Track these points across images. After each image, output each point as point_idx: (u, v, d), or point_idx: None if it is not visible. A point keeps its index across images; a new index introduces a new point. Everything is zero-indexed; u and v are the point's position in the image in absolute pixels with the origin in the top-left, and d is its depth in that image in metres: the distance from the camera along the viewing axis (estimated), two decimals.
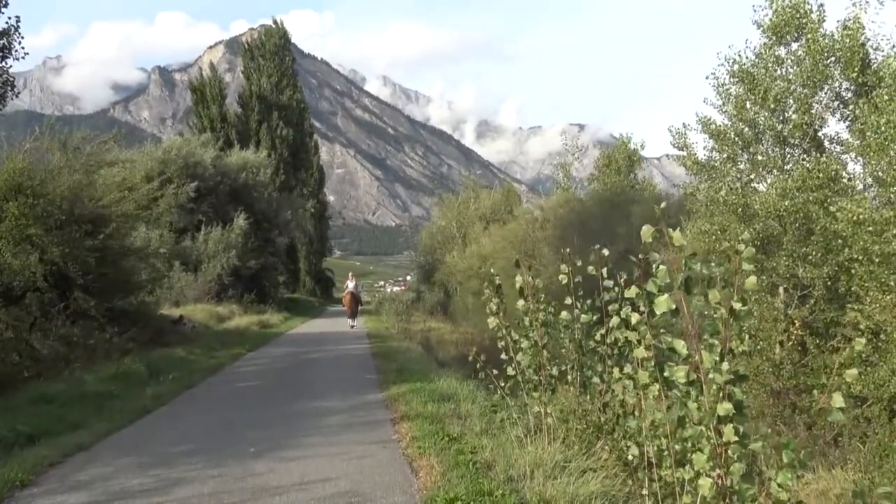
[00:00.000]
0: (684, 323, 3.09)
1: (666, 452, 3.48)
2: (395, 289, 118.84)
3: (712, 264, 3.16)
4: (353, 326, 23.60)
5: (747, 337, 3.35)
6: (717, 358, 3.00)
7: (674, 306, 3.03)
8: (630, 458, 4.21)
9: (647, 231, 3.22)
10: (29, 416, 7.09)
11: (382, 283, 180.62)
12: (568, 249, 6.26)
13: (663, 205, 3.48)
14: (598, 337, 5.47)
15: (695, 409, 3.02)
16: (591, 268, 5.77)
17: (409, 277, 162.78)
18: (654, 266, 3.29)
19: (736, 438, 2.92)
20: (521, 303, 5.87)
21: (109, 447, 5.99)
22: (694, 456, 3.02)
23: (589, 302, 6.09)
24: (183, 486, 4.65)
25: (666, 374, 3.30)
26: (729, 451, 2.95)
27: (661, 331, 3.74)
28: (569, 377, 5.89)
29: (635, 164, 24.89)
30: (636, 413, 4.08)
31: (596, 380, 5.48)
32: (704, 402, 2.96)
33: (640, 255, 3.77)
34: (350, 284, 25.13)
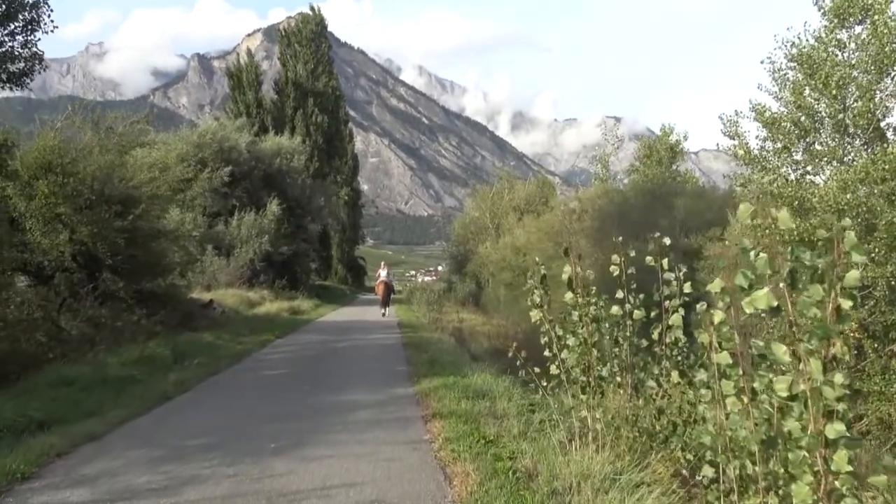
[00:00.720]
0: (784, 324, 2.56)
1: (751, 476, 2.93)
2: (426, 278, 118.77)
3: (817, 255, 2.60)
4: (384, 315, 23.70)
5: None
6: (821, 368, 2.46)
7: (775, 303, 2.48)
8: (701, 478, 3.66)
9: (745, 211, 2.66)
10: (45, 401, 6.80)
11: (414, 272, 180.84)
12: (621, 238, 5.71)
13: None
14: (654, 335, 4.93)
15: (797, 428, 2.47)
16: (648, 258, 5.24)
17: (440, 268, 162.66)
18: (744, 253, 2.72)
19: (849, 468, 2.38)
20: (568, 295, 5.32)
21: (122, 437, 5.63)
22: (794, 486, 2.48)
23: (642, 296, 5.55)
24: (194, 485, 4.24)
25: (756, 384, 2.76)
26: (838, 483, 2.42)
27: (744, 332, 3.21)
28: (618, 379, 5.36)
29: (677, 155, 24.03)
30: (706, 423, 3.54)
31: (651, 383, 4.94)
32: (810, 421, 2.43)
33: (730, 241, 3.21)
34: (382, 273, 25.41)
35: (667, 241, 5.03)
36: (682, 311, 4.94)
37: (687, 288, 4.86)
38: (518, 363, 5.69)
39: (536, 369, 5.64)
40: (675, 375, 4.56)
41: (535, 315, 5.64)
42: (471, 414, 6.36)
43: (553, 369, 5.46)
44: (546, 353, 5.57)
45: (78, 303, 12.70)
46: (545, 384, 5.55)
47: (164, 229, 15.47)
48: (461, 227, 46.93)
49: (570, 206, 21.86)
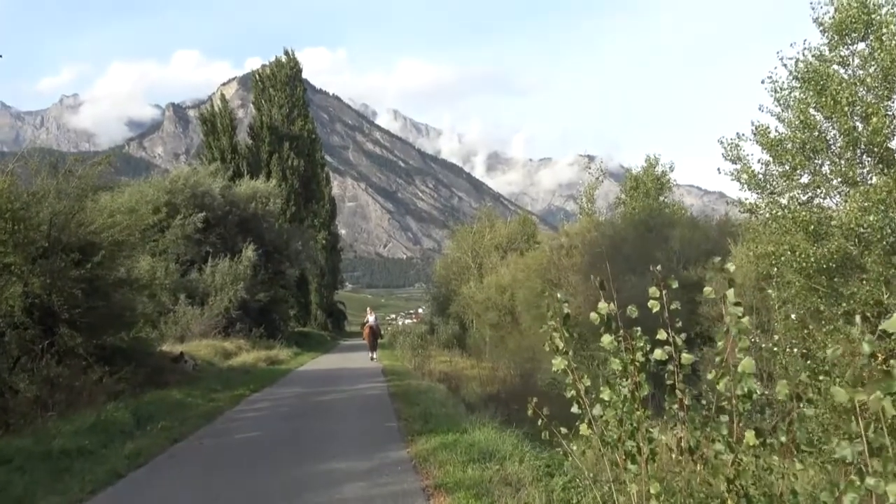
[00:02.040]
0: None
1: None
2: (407, 321, 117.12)
3: None
4: (373, 359, 24.29)
5: None
6: None
7: None
8: None
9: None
10: None
11: (394, 315, 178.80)
12: (658, 266, 4.78)
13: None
14: (721, 386, 4.00)
15: None
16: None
17: (420, 310, 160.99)
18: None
19: None
20: (606, 339, 4.37)
21: None
22: None
23: (684, 336, 4.63)
24: None
25: None
26: None
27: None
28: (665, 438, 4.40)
29: (664, 186, 23.47)
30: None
31: (719, 446, 3.98)
32: None
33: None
34: (371, 318, 26.39)
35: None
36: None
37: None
38: (540, 423, 4.70)
39: (563, 429, 4.67)
40: (749, 436, 3.63)
41: (558, 363, 4.66)
42: (481, 483, 5.36)
43: (584, 429, 4.49)
44: (573, 408, 4.60)
45: (32, 362, 11.48)
46: (573, 448, 4.57)
47: (128, 278, 14.33)
48: (443, 268, 46.04)
49: (558, 241, 21.08)
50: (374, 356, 24.76)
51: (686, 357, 4.47)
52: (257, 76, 54.97)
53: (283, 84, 53.58)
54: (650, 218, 17.99)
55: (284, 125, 51.72)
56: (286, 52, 55.56)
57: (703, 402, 4.41)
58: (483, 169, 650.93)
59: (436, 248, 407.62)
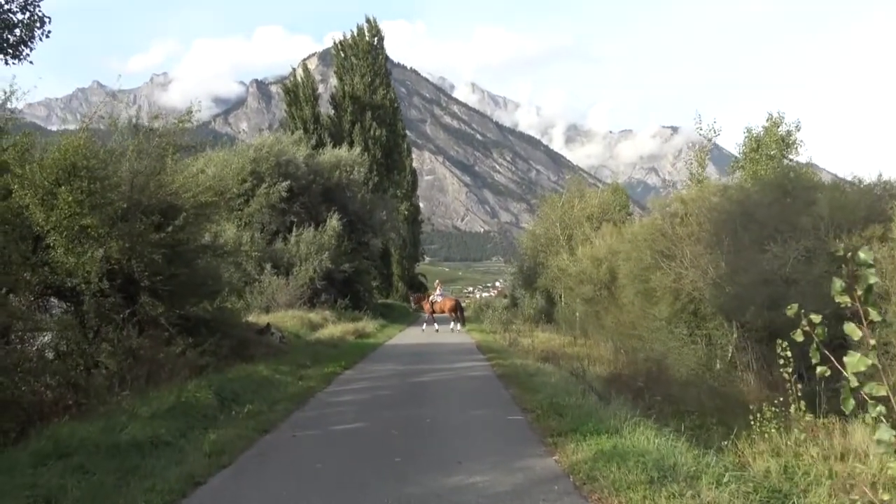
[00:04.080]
0: None
1: None
2: (485, 294, 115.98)
3: None
4: (458, 330, 25.53)
5: None
6: None
7: None
8: None
9: None
10: (11, 488, 4.49)
11: (471, 288, 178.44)
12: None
13: None
14: None
15: None
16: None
17: (498, 283, 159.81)
18: None
19: None
20: (851, 327, 2.73)
21: None
22: None
23: None
24: None
25: None
26: None
27: None
28: None
29: (790, 147, 20.86)
30: None
31: None
32: None
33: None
34: (439, 291, 27.77)
35: None
36: None
37: None
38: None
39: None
40: None
41: (855, 363, 2.99)
42: None
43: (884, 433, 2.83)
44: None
45: (113, 332, 10.58)
46: None
47: (212, 244, 13.35)
48: (530, 240, 44.06)
49: (671, 208, 18.93)
50: (459, 328, 25.77)
51: None
52: (339, 45, 53.94)
53: (364, 53, 52.40)
54: (787, 180, 15.69)
55: (366, 94, 50.64)
56: (368, 21, 54.32)
57: None
58: (562, 141, 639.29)
59: (513, 221, 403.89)
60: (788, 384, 7.58)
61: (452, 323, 26.38)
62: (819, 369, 3.28)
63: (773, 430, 7.44)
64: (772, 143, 21.11)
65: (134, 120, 12.90)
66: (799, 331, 3.37)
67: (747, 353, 17.51)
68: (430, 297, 27.73)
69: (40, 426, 6.77)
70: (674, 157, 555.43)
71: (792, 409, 7.49)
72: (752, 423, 7.51)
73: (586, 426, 6.29)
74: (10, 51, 6.91)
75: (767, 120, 21.66)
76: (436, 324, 26.49)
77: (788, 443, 7.24)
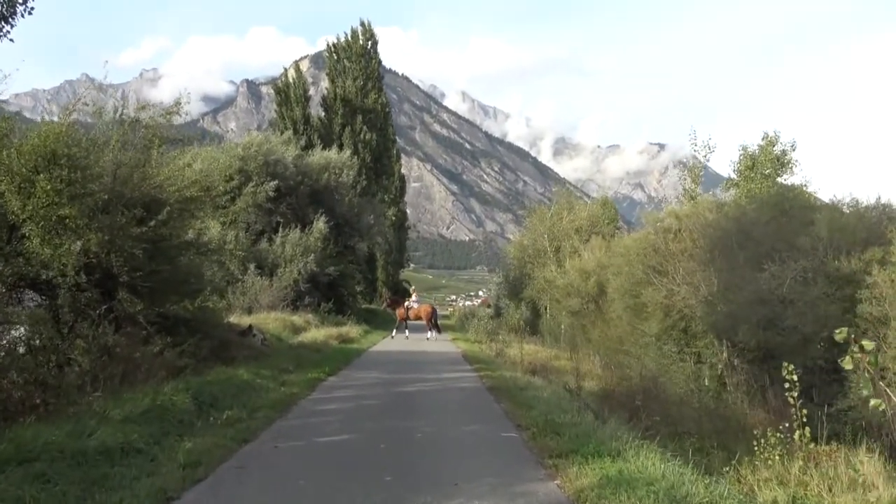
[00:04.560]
0: None
1: None
2: (468, 303, 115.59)
3: None
4: (432, 339, 25.35)
5: None
6: None
7: None
8: None
9: None
10: None
11: (454, 297, 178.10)
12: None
13: None
14: None
15: None
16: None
17: (481, 293, 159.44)
18: None
19: None
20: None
21: None
22: None
23: None
24: None
25: None
26: None
27: None
28: None
29: (786, 167, 20.72)
30: None
31: None
32: None
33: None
34: (413, 300, 28.26)
35: None
36: None
37: None
38: None
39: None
40: None
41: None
42: None
43: None
44: None
45: (88, 328, 10.07)
46: None
47: (195, 241, 12.89)
48: (517, 250, 43.82)
49: (664, 223, 18.71)
50: (434, 336, 25.83)
51: None
52: (332, 47, 53.52)
53: (358, 56, 52.03)
54: (785, 199, 15.50)
55: (358, 98, 50.24)
56: (362, 24, 53.99)
57: None
58: (550, 154, 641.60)
59: (499, 231, 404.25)
60: (794, 408, 7.30)
61: (429, 332, 26.28)
62: (873, 402, 2.96)
63: (776, 457, 7.15)
64: (767, 162, 21.00)
65: (120, 110, 12.40)
66: (848, 357, 3.05)
67: (737, 373, 17.29)
68: (406, 304, 27.56)
69: (3, 427, 6.33)
70: (660, 173, 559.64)
71: (797, 436, 7.21)
72: (756, 448, 7.22)
73: (587, 447, 5.94)
74: None
75: (763, 138, 21.55)
76: (407, 331, 26.38)
77: (793, 471, 6.95)
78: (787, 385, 7.36)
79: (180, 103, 12.25)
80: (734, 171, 21.57)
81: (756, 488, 6.57)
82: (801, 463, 7.07)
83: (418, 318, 27.39)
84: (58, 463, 5.04)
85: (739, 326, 15.44)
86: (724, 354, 17.50)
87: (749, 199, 18.16)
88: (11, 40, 6.73)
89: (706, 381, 18.23)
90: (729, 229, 15.14)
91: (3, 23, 6.61)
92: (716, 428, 9.29)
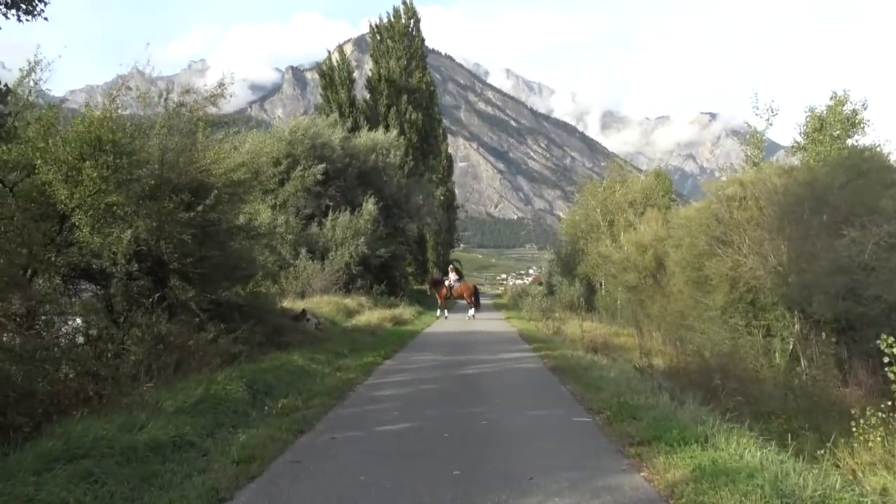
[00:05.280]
0: None
1: None
2: (519, 282, 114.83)
3: None
4: (472, 318, 25.02)
5: None
6: None
7: None
8: None
9: None
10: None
11: (504, 276, 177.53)
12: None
13: None
14: None
15: None
16: None
17: (532, 270, 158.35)
18: None
19: None
20: None
21: None
22: None
23: None
24: None
25: None
26: None
27: None
28: None
29: (857, 127, 19.42)
30: None
31: None
32: None
33: None
34: (452, 278, 27.09)
35: None
36: None
37: None
38: None
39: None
40: None
41: None
42: None
43: None
44: None
45: (142, 316, 9.94)
46: None
47: (245, 225, 12.68)
48: (569, 226, 42.93)
49: (727, 191, 17.74)
50: (473, 313, 25.44)
51: None
52: (375, 28, 53.05)
53: (400, 35, 51.49)
54: (861, 160, 14.42)
55: (402, 77, 49.75)
56: (404, 2, 53.29)
57: None
58: (597, 128, 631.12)
59: (547, 208, 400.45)
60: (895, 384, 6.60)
61: (470, 310, 25.99)
62: None
63: (878, 439, 6.48)
64: (836, 123, 19.71)
65: (165, 95, 12.20)
66: None
67: (811, 346, 16.37)
68: (447, 282, 27.23)
69: (57, 420, 6.15)
70: (712, 143, 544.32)
71: None
72: (854, 429, 6.55)
73: (670, 433, 5.40)
74: (23, 5, 6.19)
75: (831, 98, 20.24)
76: (446, 311, 26.36)
77: None
78: (886, 360, 6.65)
79: (224, 85, 11.95)
80: (800, 133, 20.35)
81: (860, 473, 5.94)
82: None
83: (461, 296, 26.99)
84: (107, 460, 4.77)
85: (814, 297, 14.53)
86: (797, 327, 16.60)
87: (821, 162, 17.05)
88: (46, 19, 6.43)
89: (776, 355, 17.36)
90: (800, 195, 14.18)
91: (36, 0, 6.31)
92: (799, 406, 8.59)
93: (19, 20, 6.44)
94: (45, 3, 6.41)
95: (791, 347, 17.02)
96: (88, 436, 5.25)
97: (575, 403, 7.39)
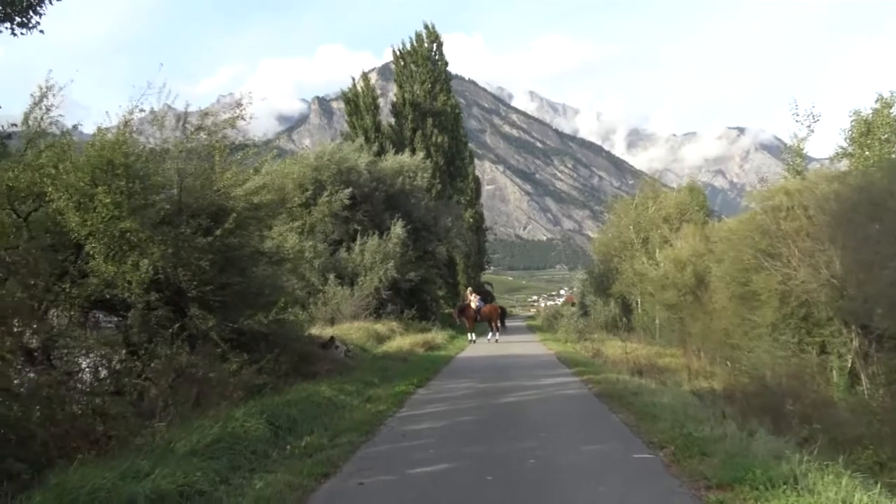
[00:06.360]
0: None
1: None
2: (550, 303, 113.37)
3: None
4: (495, 341, 24.82)
5: None
6: None
7: None
8: None
9: None
10: None
11: (535, 297, 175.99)
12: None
13: None
14: None
15: None
16: None
17: (563, 291, 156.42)
18: None
19: None
20: None
21: None
22: None
23: None
24: None
25: None
26: None
27: None
28: None
29: None
30: None
31: None
32: None
33: None
34: (473, 300, 26.81)
35: None
36: None
37: None
38: None
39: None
40: None
41: None
42: None
43: None
44: None
45: (162, 348, 9.38)
46: None
47: (267, 251, 12.13)
48: (602, 245, 41.99)
49: (773, 201, 16.80)
50: (496, 337, 25.28)
51: None
52: (398, 53, 53.09)
53: (423, 59, 51.44)
54: None
55: (427, 101, 49.61)
56: (426, 27, 53.30)
57: None
58: (623, 146, 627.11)
59: (576, 228, 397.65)
60: None
61: (490, 333, 25.63)
62: None
63: None
64: (885, 126, 18.71)
65: (183, 119, 11.79)
66: None
67: (872, 363, 15.29)
68: (473, 305, 26.64)
69: (62, 465, 5.56)
70: (741, 158, 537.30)
71: None
72: None
73: (752, 474, 4.60)
74: (18, 17, 5.77)
75: (877, 101, 19.26)
76: (473, 334, 25.62)
77: None
78: None
79: (242, 105, 11.48)
80: (845, 139, 19.36)
81: None
82: None
83: (489, 318, 26.36)
84: None
85: (876, 310, 13.51)
86: (856, 343, 15.53)
87: (876, 165, 16.07)
88: (42, 31, 6.00)
89: (833, 373, 16.28)
90: (855, 201, 13.25)
91: (31, 13, 5.87)
92: (882, 434, 7.66)
93: (13, 34, 6.00)
94: (41, 16, 5.95)
95: (849, 365, 15.95)
96: (86, 486, 4.65)
97: (631, 436, 6.59)
